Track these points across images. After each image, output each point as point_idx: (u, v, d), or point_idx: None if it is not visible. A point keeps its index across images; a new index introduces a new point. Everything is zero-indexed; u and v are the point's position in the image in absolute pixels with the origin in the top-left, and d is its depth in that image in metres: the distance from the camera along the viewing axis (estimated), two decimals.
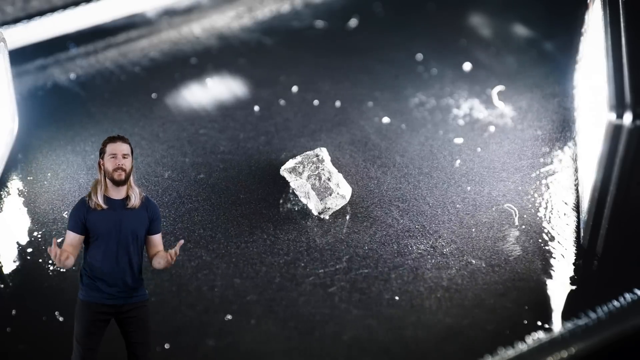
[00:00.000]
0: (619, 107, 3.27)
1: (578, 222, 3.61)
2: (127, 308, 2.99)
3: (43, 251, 3.43)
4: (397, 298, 3.35)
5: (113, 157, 2.97)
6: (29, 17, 4.22)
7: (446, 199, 3.69)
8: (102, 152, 3.00)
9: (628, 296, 3.33)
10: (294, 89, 4.17)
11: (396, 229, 3.56)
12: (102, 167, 2.98)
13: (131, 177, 3.00)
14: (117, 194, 2.99)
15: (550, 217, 3.62)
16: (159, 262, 3.01)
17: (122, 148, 2.99)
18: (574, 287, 3.41)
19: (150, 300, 3.21)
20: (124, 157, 2.98)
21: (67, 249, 2.96)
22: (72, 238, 2.98)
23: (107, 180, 2.98)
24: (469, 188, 3.74)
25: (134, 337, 3.00)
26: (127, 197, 2.99)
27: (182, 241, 3.00)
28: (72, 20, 4.28)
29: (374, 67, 4.28)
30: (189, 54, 4.33)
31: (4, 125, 3.75)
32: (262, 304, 3.32)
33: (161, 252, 3.02)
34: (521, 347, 3.21)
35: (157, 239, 3.04)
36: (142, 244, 3.01)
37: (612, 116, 3.26)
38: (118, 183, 2.97)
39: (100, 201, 2.97)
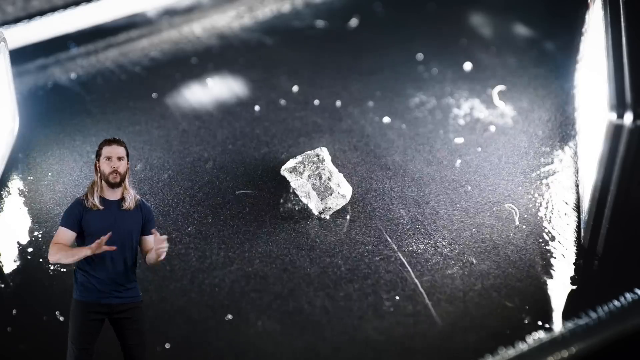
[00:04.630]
0: (620, 107, 3.27)
1: (578, 222, 3.60)
2: (121, 308, 3.00)
3: (43, 251, 3.43)
4: (397, 298, 3.35)
5: (108, 160, 3.02)
6: (30, 16, 4.22)
7: (447, 198, 3.69)
8: (98, 155, 3.04)
9: (628, 296, 3.33)
10: (295, 88, 4.17)
11: (396, 228, 3.56)
12: (98, 169, 3.02)
13: (126, 179, 3.04)
14: (113, 195, 3.03)
15: (550, 217, 3.62)
16: (151, 256, 3.03)
17: (118, 151, 3.03)
18: (574, 287, 3.41)
19: (150, 300, 3.21)
20: (119, 160, 3.02)
21: (61, 242, 2.99)
22: (64, 234, 3.01)
23: (103, 181, 3.01)
24: (469, 188, 3.74)
25: (130, 338, 3.01)
26: (122, 199, 3.02)
27: (165, 236, 3.01)
28: (73, 20, 4.29)
29: (374, 67, 4.28)
30: (189, 53, 4.33)
31: (5, 124, 3.75)
32: (263, 303, 3.32)
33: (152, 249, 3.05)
34: (522, 346, 3.21)
35: (150, 239, 3.06)
36: (137, 245, 3.04)
37: (613, 116, 3.26)
38: (113, 185, 3.01)
39: (97, 202, 3.01)
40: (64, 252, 2.97)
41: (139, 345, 3.03)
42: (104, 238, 2.93)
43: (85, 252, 2.95)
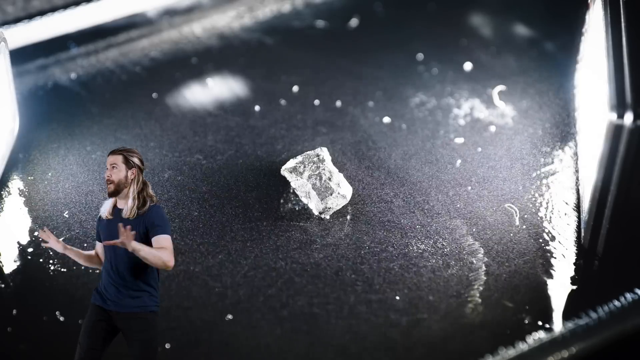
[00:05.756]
0: (620, 107, 3.27)
1: (579, 222, 3.61)
2: (121, 317, 2.98)
3: (44, 251, 3.43)
4: (397, 298, 3.35)
5: (106, 170, 3.01)
6: (30, 16, 4.23)
7: (447, 198, 3.69)
8: None
9: (629, 296, 3.33)
10: (295, 88, 4.17)
11: (396, 228, 3.56)
12: None
13: (131, 188, 3.00)
14: (121, 203, 3.02)
15: (550, 217, 3.63)
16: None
17: (111, 159, 3.01)
18: (574, 287, 3.41)
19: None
20: (112, 168, 2.99)
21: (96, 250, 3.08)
22: (96, 245, 3.08)
23: None
24: (469, 188, 3.74)
25: (131, 349, 2.98)
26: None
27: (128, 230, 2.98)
28: (73, 20, 4.29)
29: (374, 66, 4.28)
30: (189, 53, 4.33)
31: (5, 125, 3.75)
32: (263, 303, 3.32)
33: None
34: (522, 346, 3.21)
35: (159, 241, 2.97)
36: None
37: (613, 116, 3.26)
38: (109, 194, 3.00)
39: (106, 211, 3.01)
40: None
41: (142, 358, 2.97)
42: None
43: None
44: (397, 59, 4.32)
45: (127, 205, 2.99)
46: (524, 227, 3.59)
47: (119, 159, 3.01)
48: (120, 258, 2.98)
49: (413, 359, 3.22)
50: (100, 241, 3.04)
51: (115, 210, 3.01)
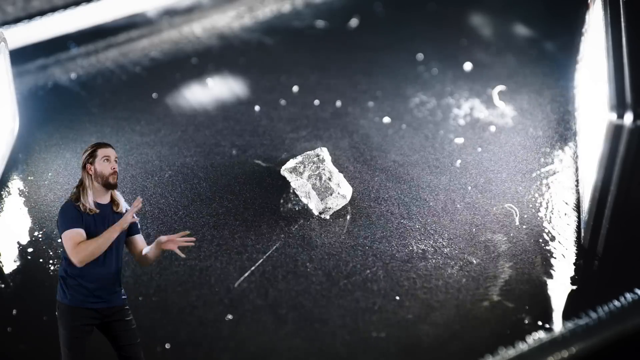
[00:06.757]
0: (620, 107, 3.27)
1: (579, 222, 3.61)
2: (112, 311, 3.00)
3: (44, 251, 3.43)
4: (397, 298, 3.35)
5: (107, 161, 2.98)
6: (30, 17, 4.23)
7: (447, 198, 3.69)
8: (91, 157, 2.99)
9: (628, 296, 3.33)
10: (295, 88, 4.17)
11: (396, 228, 3.56)
12: (92, 172, 2.98)
13: None
14: (104, 198, 3.00)
15: (550, 217, 3.63)
16: (148, 257, 3.04)
17: (114, 153, 3.02)
18: (574, 287, 3.41)
19: (150, 300, 3.22)
20: (116, 162, 3.00)
21: (82, 240, 2.93)
22: (79, 233, 2.94)
23: (97, 184, 2.98)
24: (469, 188, 3.74)
25: (124, 339, 3.00)
26: (113, 202, 3.01)
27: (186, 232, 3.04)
28: (73, 20, 4.29)
29: (374, 66, 4.28)
30: (189, 53, 4.33)
31: (5, 124, 3.75)
32: (263, 303, 3.32)
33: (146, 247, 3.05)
34: (522, 346, 3.21)
35: (139, 238, 3.05)
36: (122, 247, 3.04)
37: (613, 116, 3.26)
38: (112, 186, 2.99)
39: (93, 206, 2.98)
40: (93, 243, 2.91)
41: (135, 345, 3.02)
42: (138, 203, 2.92)
43: (117, 229, 2.92)
44: (397, 59, 4.32)
45: (120, 201, 3.01)
46: (524, 227, 3.59)
47: (115, 153, 3.03)
48: (121, 253, 3.01)
49: (413, 358, 3.22)
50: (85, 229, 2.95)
51: (100, 206, 2.99)
